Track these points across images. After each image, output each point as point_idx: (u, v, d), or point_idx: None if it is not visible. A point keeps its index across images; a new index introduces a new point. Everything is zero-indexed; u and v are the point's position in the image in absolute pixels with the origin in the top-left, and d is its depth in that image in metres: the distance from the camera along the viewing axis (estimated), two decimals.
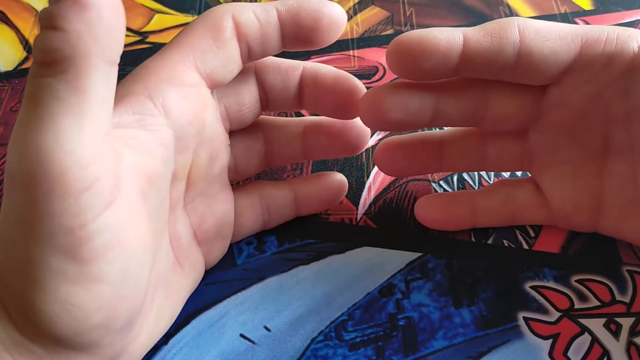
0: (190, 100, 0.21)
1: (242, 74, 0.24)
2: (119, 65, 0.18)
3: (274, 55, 0.24)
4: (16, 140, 0.17)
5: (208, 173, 0.24)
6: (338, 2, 0.39)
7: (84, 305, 0.18)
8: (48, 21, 0.17)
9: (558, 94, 0.24)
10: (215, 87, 0.23)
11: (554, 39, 0.22)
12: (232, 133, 0.25)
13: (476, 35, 0.22)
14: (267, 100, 0.25)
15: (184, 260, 0.24)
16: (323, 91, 0.25)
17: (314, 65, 0.25)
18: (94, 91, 0.17)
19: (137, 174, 0.20)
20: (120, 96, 0.20)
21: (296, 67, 0.25)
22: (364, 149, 0.28)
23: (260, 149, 0.26)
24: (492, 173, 0.30)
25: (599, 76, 0.23)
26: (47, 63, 0.17)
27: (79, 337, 0.19)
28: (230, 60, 0.22)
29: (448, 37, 0.22)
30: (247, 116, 0.25)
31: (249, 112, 0.25)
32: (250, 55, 0.23)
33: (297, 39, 0.23)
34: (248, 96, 0.24)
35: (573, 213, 0.26)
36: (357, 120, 0.26)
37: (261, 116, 0.26)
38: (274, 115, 0.29)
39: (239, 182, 0.28)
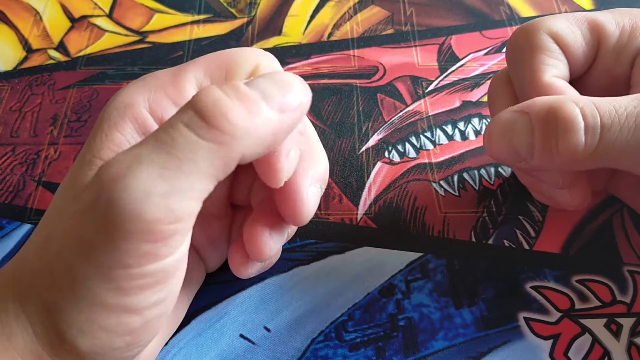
0: None
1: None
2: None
3: None
4: (127, 174, 0.17)
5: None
6: (339, 1, 0.39)
7: (111, 331, 0.18)
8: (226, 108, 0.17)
9: None
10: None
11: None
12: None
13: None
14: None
15: (189, 272, 0.24)
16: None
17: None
18: (227, 168, 0.18)
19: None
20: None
21: None
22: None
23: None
24: (493, 172, 0.30)
25: None
26: (211, 126, 0.17)
27: (98, 357, 0.19)
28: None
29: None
30: None
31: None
32: None
33: None
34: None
35: None
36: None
37: None
38: None
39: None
